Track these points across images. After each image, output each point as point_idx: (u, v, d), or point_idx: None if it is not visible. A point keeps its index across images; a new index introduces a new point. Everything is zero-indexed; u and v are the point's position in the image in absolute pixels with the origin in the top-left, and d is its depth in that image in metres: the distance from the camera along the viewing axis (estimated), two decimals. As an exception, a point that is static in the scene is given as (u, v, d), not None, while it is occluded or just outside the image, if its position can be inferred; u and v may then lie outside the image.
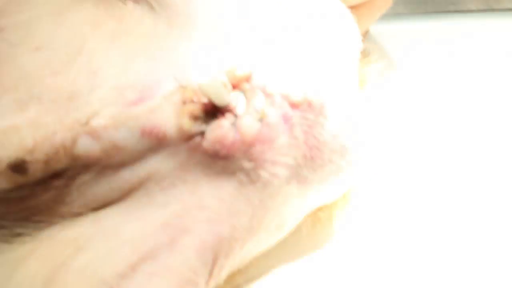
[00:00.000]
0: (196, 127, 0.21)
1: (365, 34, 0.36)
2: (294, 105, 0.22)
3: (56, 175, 0.22)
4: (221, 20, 0.24)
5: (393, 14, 0.42)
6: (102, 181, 0.22)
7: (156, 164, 0.22)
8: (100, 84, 0.22)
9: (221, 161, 0.21)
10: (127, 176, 0.22)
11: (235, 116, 0.21)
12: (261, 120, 0.21)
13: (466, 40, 0.41)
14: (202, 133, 0.21)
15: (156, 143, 0.22)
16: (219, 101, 0.21)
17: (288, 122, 0.22)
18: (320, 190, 0.24)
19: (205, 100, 0.21)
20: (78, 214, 0.22)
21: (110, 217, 0.22)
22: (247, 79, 0.22)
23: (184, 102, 0.21)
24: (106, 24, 0.24)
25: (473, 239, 0.28)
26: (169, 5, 0.24)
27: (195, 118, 0.21)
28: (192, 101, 0.21)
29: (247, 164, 0.21)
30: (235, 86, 0.22)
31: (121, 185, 0.22)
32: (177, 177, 0.22)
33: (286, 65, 0.23)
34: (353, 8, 0.31)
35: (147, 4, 0.25)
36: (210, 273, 0.22)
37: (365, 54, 0.33)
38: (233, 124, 0.21)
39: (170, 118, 0.21)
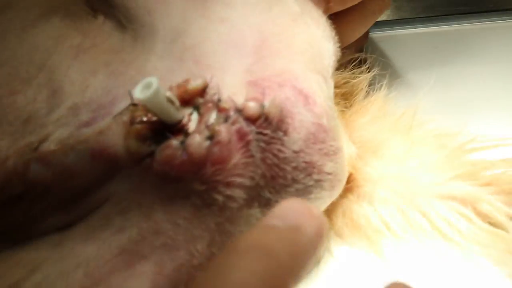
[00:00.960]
0: (145, 147, 0.20)
1: (362, 40, 0.33)
2: (250, 120, 0.20)
3: (19, 198, 0.21)
4: (182, 32, 0.22)
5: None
6: (63, 203, 0.22)
7: (112, 187, 0.21)
8: (58, 104, 0.22)
9: (173, 184, 0.20)
10: (86, 198, 0.21)
11: (186, 134, 0.20)
12: (211, 138, 0.19)
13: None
14: (152, 154, 0.20)
15: (108, 166, 0.21)
16: (165, 117, 0.20)
17: (243, 139, 0.20)
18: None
19: (155, 119, 0.20)
20: (45, 233, 0.22)
21: (70, 237, 0.22)
22: (201, 93, 0.20)
23: (132, 122, 0.20)
24: (71, 39, 0.23)
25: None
26: (134, 17, 0.23)
27: (143, 138, 0.20)
28: (140, 121, 0.20)
29: (199, 186, 0.20)
30: (188, 101, 0.21)
31: (81, 207, 0.22)
32: (133, 200, 0.21)
33: (245, 76, 0.21)
34: (343, 12, 0.29)
35: (116, 18, 0.24)
36: (170, 304, 0.21)
37: (359, 62, 0.30)
38: (183, 143, 0.20)
39: (119, 139, 0.20)
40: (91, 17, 0.24)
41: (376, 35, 0.36)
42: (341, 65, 0.30)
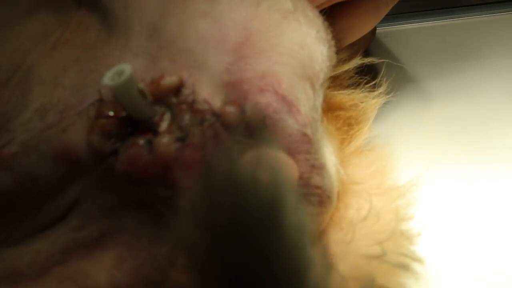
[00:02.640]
0: (109, 145, 0.18)
1: (369, 38, 0.31)
2: (228, 126, 0.18)
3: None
4: (159, 28, 0.20)
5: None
6: (24, 214, 0.20)
7: (74, 193, 0.19)
8: (27, 105, 0.20)
9: (136, 187, 0.18)
10: (48, 209, 0.19)
11: (156, 134, 0.18)
12: (183, 139, 0.18)
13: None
14: (117, 153, 0.18)
15: (71, 167, 0.19)
16: (135, 112, 0.18)
17: (219, 144, 0.18)
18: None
19: (123, 114, 0.18)
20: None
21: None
22: (174, 91, 0.19)
23: (97, 117, 0.18)
24: (51, 34, 0.22)
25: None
26: (110, 11, 0.21)
27: (107, 134, 0.18)
28: (107, 115, 0.18)
29: (164, 192, 0.18)
30: (160, 99, 0.19)
31: (42, 220, 0.19)
32: (93, 203, 0.19)
33: (223, 77, 0.19)
34: (353, 3, 0.27)
35: (98, 13, 0.22)
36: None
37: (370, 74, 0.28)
38: (150, 143, 0.18)
39: (83, 136, 0.18)
40: (75, 11, 0.23)
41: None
42: (347, 73, 0.27)
